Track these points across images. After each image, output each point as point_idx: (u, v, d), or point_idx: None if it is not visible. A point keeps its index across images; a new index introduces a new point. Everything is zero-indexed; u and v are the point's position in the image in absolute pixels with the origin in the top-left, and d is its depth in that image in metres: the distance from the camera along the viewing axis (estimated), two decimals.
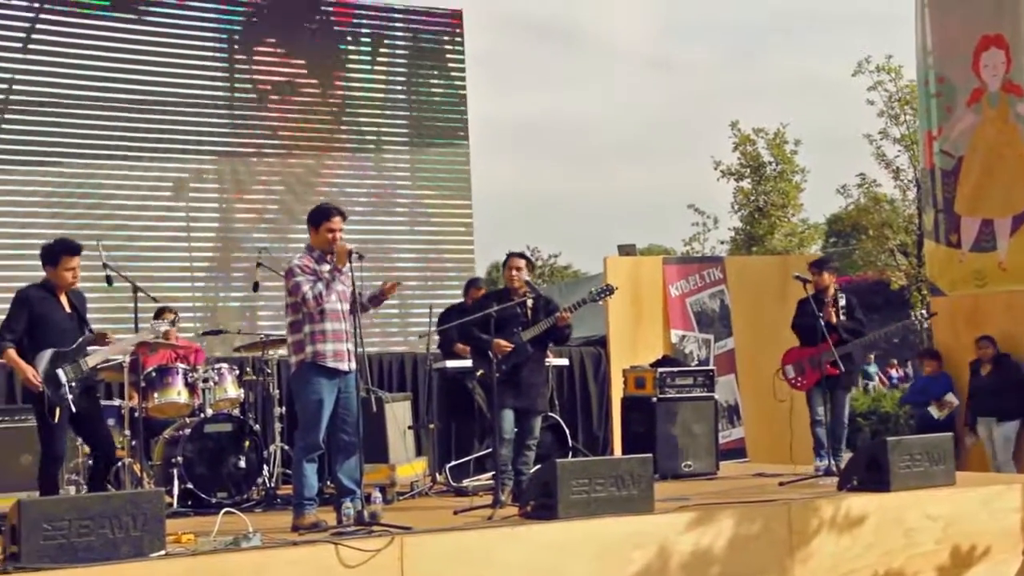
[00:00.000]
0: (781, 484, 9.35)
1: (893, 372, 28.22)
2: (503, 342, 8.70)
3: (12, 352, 7.45)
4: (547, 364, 9.37)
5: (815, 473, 9.69)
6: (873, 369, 27.52)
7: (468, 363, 9.58)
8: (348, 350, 7.56)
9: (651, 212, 70.61)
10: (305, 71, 14.13)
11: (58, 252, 7.64)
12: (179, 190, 13.28)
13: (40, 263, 7.73)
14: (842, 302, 10.17)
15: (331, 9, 14.44)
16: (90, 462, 8.15)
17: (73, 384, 7.51)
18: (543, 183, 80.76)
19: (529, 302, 8.95)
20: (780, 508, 7.97)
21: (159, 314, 9.25)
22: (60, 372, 7.47)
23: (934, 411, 12.56)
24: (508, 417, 8.72)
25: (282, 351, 9.82)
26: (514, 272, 8.95)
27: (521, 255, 9.17)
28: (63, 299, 7.69)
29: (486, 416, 9.72)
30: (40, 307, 7.57)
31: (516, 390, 8.74)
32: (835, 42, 78.62)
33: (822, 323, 9.80)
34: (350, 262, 7.54)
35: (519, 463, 8.79)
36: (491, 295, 9.37)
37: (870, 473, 8.56)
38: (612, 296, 9.55)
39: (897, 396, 17.94)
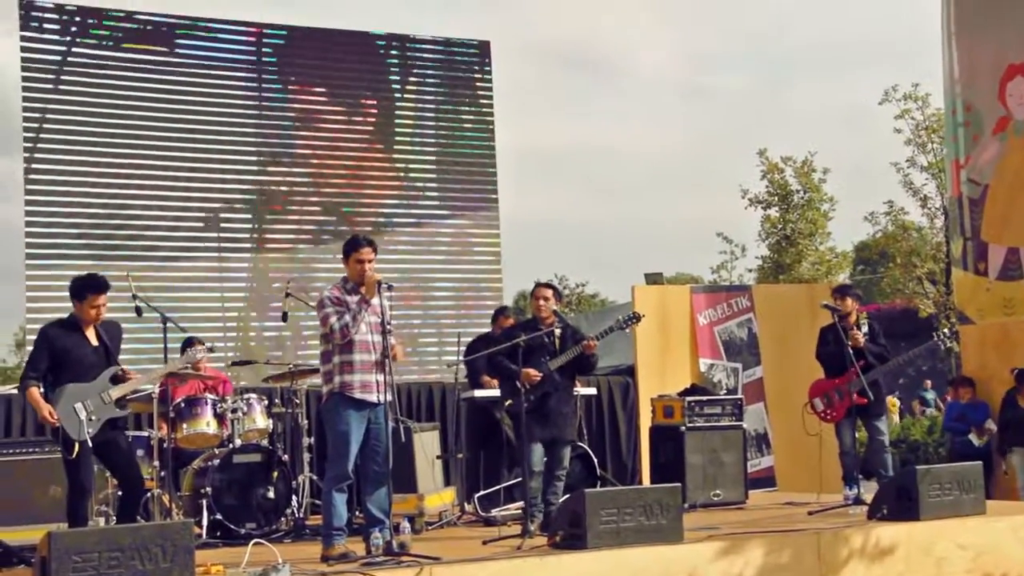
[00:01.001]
0: (810, 513, 9.31)
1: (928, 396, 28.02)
2: (532, 371, 8.72)
3: (34, 390, 7.51)
4: (575, 393, 9.37)
5: (844, 502, 9.64)
6: (931, 396, 27.34)
7: (496, 393, 9.59)
8: (378, 381, 7.57)
9: (679, 241, 70.68)
10: (335, 104, 14.21)
11: (84, 289, 7.70)
12: (211, 221, 13.34)
13: (69, 295, 7.80)
14: (864, 328, 10.13)
15: (361, 39, 14.51)
16: (119, 493, 8.20)
17: (93, 418, 7.54)
18: (571, 212, 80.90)
19: (557, 332, 8.95)
20: (810, 538, 7.94)
21: (189, 344, 9.29)
22: (79, 407, 7.50)
23: (974, 439, 12.50)
24: (537, 450, 8.72)
25: (311, 381, 9.88)
26: (541, 302, 8.97)
27: (548, 285, 9.20)
28: (89, 332, 7.74)
29: (514, 446, 9.72)
30: (61, 342, 7.61)
31: (545, 420, 8.74)
32: (863, 70, 78.57)
33: (850, 350, 9.76)
34: (379, 293, 7.58)
35: (548, 493, 8.78)
36: (519, 325, 9.39)
37: (900, 502, 8.52)
38: (639, 324, 9.54)
39: (927, 424, 17.87)
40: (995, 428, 12.32)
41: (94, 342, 7.73)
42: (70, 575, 5.90)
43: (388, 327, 7.60)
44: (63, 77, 12.77)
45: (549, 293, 9.05)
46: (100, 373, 7.68)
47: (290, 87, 14.01)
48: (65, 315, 7.87)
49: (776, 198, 29.61)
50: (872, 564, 7.99)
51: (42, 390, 7.54)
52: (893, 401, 22.75)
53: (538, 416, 8.70)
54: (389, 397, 7.59)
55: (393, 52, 14.68)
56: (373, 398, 7.53)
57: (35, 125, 12.58)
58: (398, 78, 14.65)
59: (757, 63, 79.68)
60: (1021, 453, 12.06)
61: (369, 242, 7.77)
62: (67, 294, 7.81)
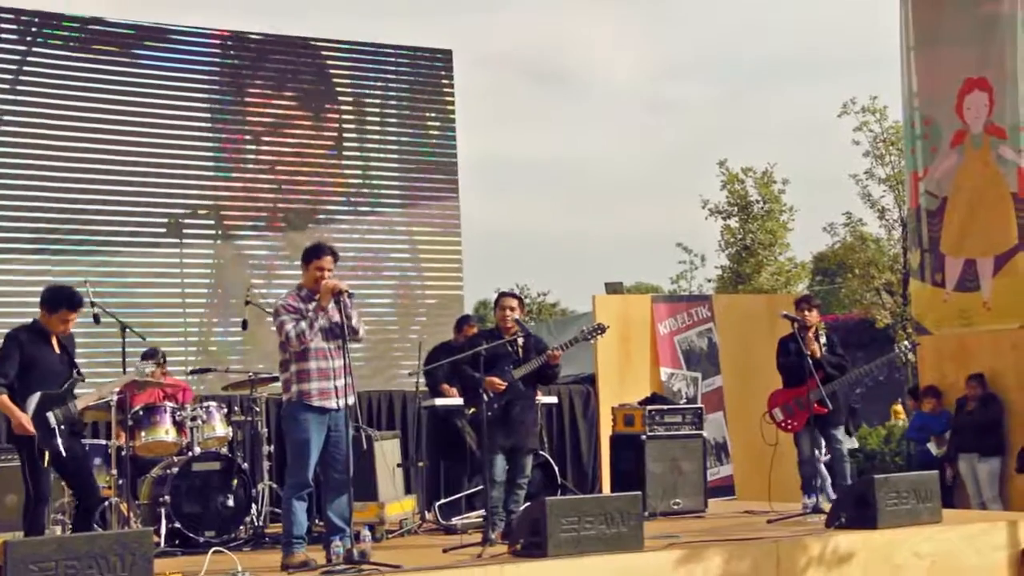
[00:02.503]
0: (769, 522, 9.37)
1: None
2: (496, 380, 8.73)
3: (5, 398, 7.44)
4: (537, 402, 9.38)
5: (803, 511, 9.69)
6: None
7: (457, 401, 9.59)
8: (336, 387, 7.54)
9: (639, 250, 70.80)
10: (298, 109, 14.17)
11: (59, 303, 7.65)
12: (172, 226, 13.26)
13: (38, 302, 7.74)
14: (823, 339, 10.20)
15: (322, 46, 14.49)
16: (76, 502, 8.13)
17: (62, 427, 7.50)
18: (531, 221, 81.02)
19: (520, 341, 8.97)
20: (769, 546, 7.99)
21: (146, 356, 9.23)
22: (50, 416, 7.46)
23: (933, 448, 12.63)
24: (499, 460, 8.73)
25: (272, 388, 9.85)
26: (507, 312, 8.97)
27: (513, 295, 9.22)
28: (53, 340, 7.70)
29: (475, 454, 9.72)
30: (31, 349, 7.57)
31: (507, 429, 8.75)
32: (822, 83, 79.18)
33: (809, 360, 9.83)
34: (338, 300, 7.56)
35: (510, 502, 8.79)
36: (481, 334, 9.40)
37: (858, 511, 8.58)
38: (603, 335, 9.55)
39: (883, 433, 17.99)
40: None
41: (57, 350, 7.70)
42: None
43: (348, 333, 7.57)
44: (21, 77, 12.65)
45: (514, 303, 9.06)
46: (64, 382, 7.63)
47: (252, 94, 13.94)
48: (30, 320, 7.81)
49: (736, 208, 29.76)
50: (830, 572, 8.05)
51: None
52: (898, 409, 22.77)
53: (500, 425, 8.71)
54: (351, 401, 7.58)
55: (355, 60, 14.65)
56: (332, 404, 7.51)
57: None
58: (361, 86, 14.62)
59: (719, 75, 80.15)
60: (967, 459, 12.21)
61: (331, 251, 7.76)
62: (21, 298, 7.76)
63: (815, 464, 10.39)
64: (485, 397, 8.55)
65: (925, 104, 13.36)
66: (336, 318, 7.58)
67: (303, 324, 7.46)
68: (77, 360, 7.95)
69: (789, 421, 10.15)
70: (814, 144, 63.04)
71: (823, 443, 10.30)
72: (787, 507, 9.98)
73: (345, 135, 14.47)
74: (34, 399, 7.46)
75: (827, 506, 9.36)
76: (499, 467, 8.73)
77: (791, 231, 29.78)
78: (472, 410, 8.94)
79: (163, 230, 13.23)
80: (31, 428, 7.36)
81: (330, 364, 7.55)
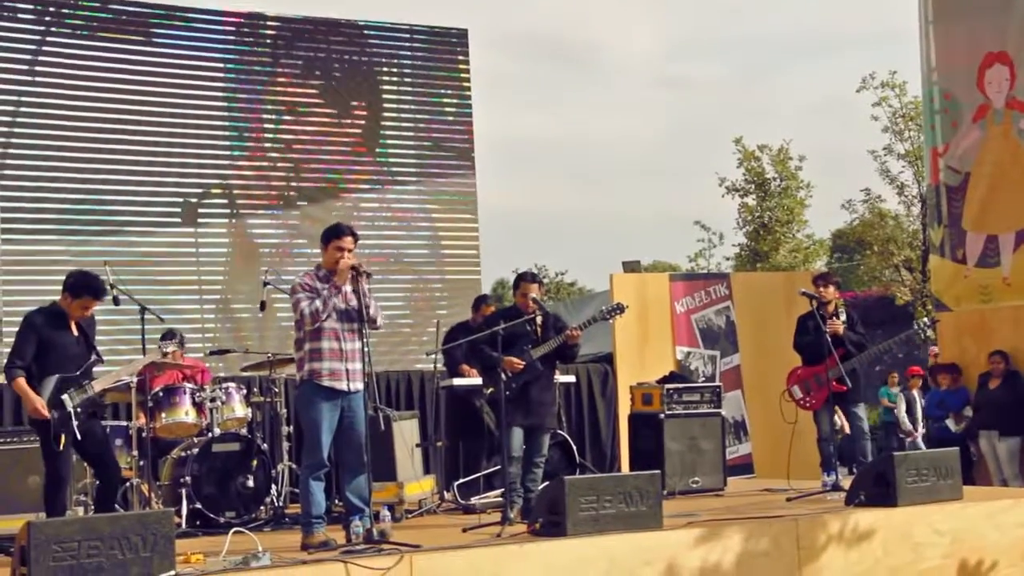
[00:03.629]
0: (789, 500, 9.35)
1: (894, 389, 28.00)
2: (515, 359, 8.72)
3: (22, 381, 7.49)
4: (555, 381, 9.38)
5: (823, 489, 9.68)
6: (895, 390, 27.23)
7: (476, 381, 9.59)
8: (348, 370, 7.52)
9: (657, 229, 70.49)
10: (314, 91, 14.18)
11: (83, 290, 7.67)
12: (188, 210, 13.30)
13: (60, 284, 7.78)
14: (843, 316, 10.17)
15: (338, 27, 14.47)
16: (97, 483, 8.18)
17: (79, 409, 7.54)
18: (549, 201, 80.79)
19: (538, 319, 8.97)
20: (788, 524, 7.97)
21: (166, 337, 9.27)
22: (66, 398, 7.50)
23: (951, 424, 12.59)
24: (517, 435, 8.73)
25: (289, 370, 9.87)
26: (528, 299, 8.93)
27: (533, 279, 9.14)
28: (72, 324, 7.74)
29: (494, 434, 9.73)
30: (48, 332, 7.61)
31: (525, 408, 8.75)
32: (840, 58, 78.72)
33: (828, 337, 9.79)
34: (357, 281, 7.55)
35: (527, 480, 8.80)
36: (500, 313, 9.38)
37: (877, 488, 8.56)
38: (622, 314, 9.52)
39: (880, 412, 18.04)
40: (972, 414, 12.43)
41: (75, 332, 7.73)
42: (50, 564, 5.87)
43: (365, 314, 7.57)
44: (37, 67, 12.68)
45: (534, 288, 9.00)
46: (82, 364, 7.67)
47: (268, 75, 13.95)
48: (47, 304, 7.84)
49: (753, 186, 29.67)
50: (850, 550, 8.03)
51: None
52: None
53: (519, 404, 8.71)
54: (361, 386, 7.57)
55: (371, 40, 14.64)
56: (343, 386, 7.49)
57: (8, 117, 12.48)
58: (377, 66, 14.61)
59: (735, 51, 79.68)
60: (988, 437, 12.17)
61: (351, 232, 7.75)
62: (43, 285, 7.80)
63: (834, 442, 10.37)
64: (503, 377, 8.54)
65: (944, 79, 13.29)
66: (354, 302, 7.58)
67: (317, 302, 7.45)
68: (97, 342, 7.98)
69: (808, 399, 10.13)
70: (833, 120, 62.75)
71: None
72: (806, 485, 9.98)
73: (361, 115, 14.46)
74: (50, 382, 7.50)
75: (846, 484, 9.34)
76: (516, 442, 8.73)
77: (808, 207, 29.70)
78: (490, 390, 8.94)
79: (178, 211, 13.25)
80: (45, 412, 7.41)
81: (342, 346, 7.52)
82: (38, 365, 7.55)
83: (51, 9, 12.80)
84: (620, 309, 9.28)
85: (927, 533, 8.40)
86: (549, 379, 9.06)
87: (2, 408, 10.22)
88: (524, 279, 9.09)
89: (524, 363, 8.76)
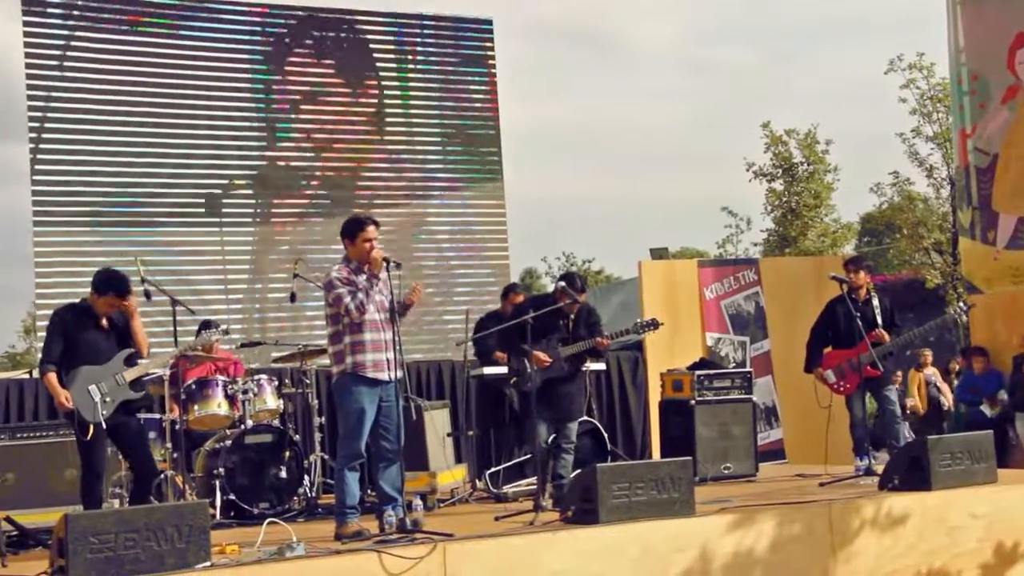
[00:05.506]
0: (821, 485, 9.33)
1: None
2: (543, 355, 8.76)
3: (52, 376, 7.62)
4: (585, 369, 9.42)
5: (855, 473, 9.65)
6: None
7: (505, 370, 9.62)
8: (388, 360, 7.56)
9: (684, 215, 70.39)
10: (339, 80, 14.19)
11: (107, 289, 7.74)
12: (213, 202, 13.33)
13: (90, 283, 7.84)
14: (875, 301, 10.12)
15: (363, 18, 14.49)
16: (132, 475, 8.24)
17: (108, 400, 7.60)
18: (575, 188, 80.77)
19: (571, 316, 9.02)
20: (821, 509, 7.96)
21: (205, 326, 9.26)
22: (93, 388, 7.58)
23: (987, 409, 12.53)
24: (543, 427, 8.79)
25: (320, 361, 9.90)
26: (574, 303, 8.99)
27: (583, 289, 9.20)
28: (101, 320, 7.81)
29: (522, 422, 9.75)
30: (74, 327, 7.71)
31: (549, 401, 8.79)
32: (867, 40, 78.23)
33: (859, 323, 9.75)
34: (387, 271, 7.58)
35: (558, 467, 8.84)
36: (529, 302, 9.41)
37: (911, 472, 8.53)
38: (656, 330, 9.50)
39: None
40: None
41: (106, 327, 7.79)
42: (87, 556, 5.93)
43: (396, 304, 7.61)
44: (67, 62, 12.73)
45: (584, 298, 9.10)
46: (112, 357, 7.73)
47: (294, 68, 13.97)
48: (77, 300, 7.91)
49: (780, 170, 29.54)
50: (884, 534, 8.01)
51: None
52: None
53: (543, 398, 8.77)
54: (400, 374, 7.60)
55: (398, 30, 14.63)
56: (384, 376, 7.54)
57: (40, 112, 12.53)
58: (403, 56, 14.62)
59: (761, 35, 79.36)
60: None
61: (373, 221, 7.77)
62: (76, 278, 7.87)
63: (867, 426, 10.33)
64: (529, 369, 8.58)
65: (972, 59, 13.19)
66: (386, 292, 7.61)
67: (360, 296, 7.48)
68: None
69: (842, 383, 10.09)
70: (860, 103, 62.39)
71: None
72: (839, 470, 9.95)
73: (388, 107, 14.46)
74: (77, 374, 7.59)
75: (879, 468, 9.30)
76: (543, 433, 8.80)
77: (836, 191, 29.54)
78: (515, 380, 8.99)
79: (202, 201, 13.28)
80: (69, 403, 7.50)
81: (382, 336, 7.57)
82: (66, 360, 7.65)
83: (79, 3, 12.85)
84: (655, 325, 9.31)
85: (962, 517, 8.37)
86: (575, 374, 9.15)
87: (37, 403, 10.30)
88: (574, 287, 9.06)
89: (551, 360, 8.81)
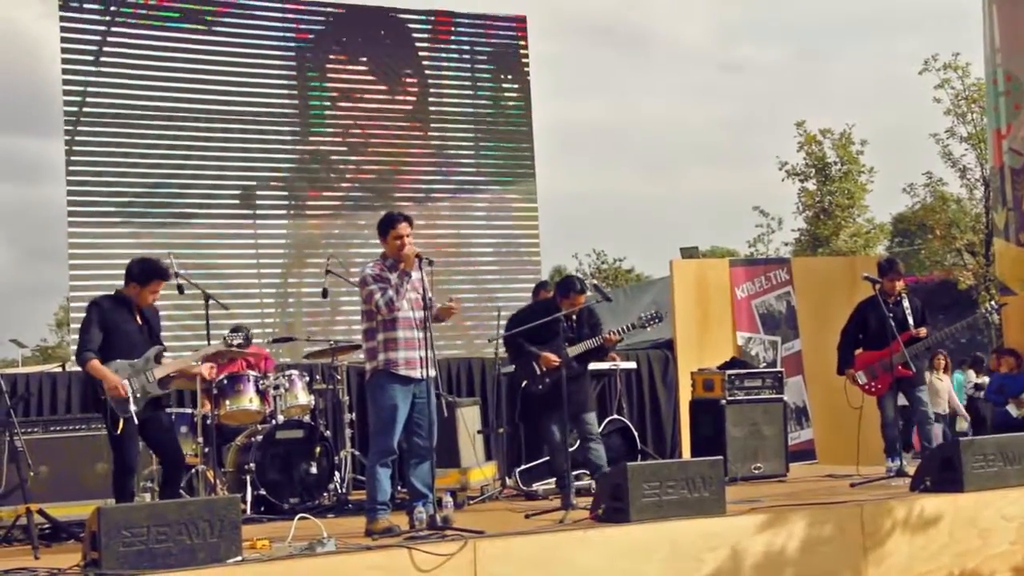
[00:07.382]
0: (853, 485, 9.30)
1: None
2: (552, 356, 8.83)
3: (96, 362, 7.60)
4: (616, 366, 9.51)
5: (887, 474, 9.61)
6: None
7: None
8: (421, 357, 7.57)
9: (716, 214, 70.03)
10: (373, 79, 14.21)
11: (151, 274, 7.80)
12: (247, 198, 13.38)
13: (125, 274, 7.88)
14: (906, 302, 10.07)
15: (398, 15, 14.51)
16: (162, 470, 8.28)
17: (139, 396, 7.63)
18: (607, 186, 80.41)
19: (573, 316, 9.17)
20: (853, 509, 7.93)
21: (236, 330, 9.28)
22: (126, 383, 7.60)
23: (1013, 409, 12.45)
24: (555, 430, 8.91)
25: (352, 357, 9.93)
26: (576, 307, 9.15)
27: (582, 291, 9.31)
28: (136, 312, 7.85)
29: (537, 424, 9.81)
30: (112, 316, 7.73)
31: (559, 401, 8.79)
32: (902, 40, 77.76)
33: (891, 324, 9.71)
34: (420, 268, 7.60)
35: (591, 457, 8.99)
36: (540, 305, 9.55)
37: (943, 474, 8.49)
38: (659, 323, 9.67)
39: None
40: None
41: (139, 321, 7.83)
42: (120, 549, 5.97)
43: (429, 302, 7.62)
44: (103, 58, 12.80)
45: (582, 299, 9.25)
46: (144, 352, 7.77)
47: (329, 63, 14.00)
48: (112, 292, 7.95)
49: (814, 170, 29.43)
50: (916, 535, 7.97)
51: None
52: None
53: (553, 399, 8.87)
54: (433, 372, 7.61)
55: (432, 28, 14.65)
56: (417, 374, 7.56)
57: (75, 107, 12.61)
58: (437, 54, 14.63)
59: (794, 34, 78.87)
60: None
61: (406, 217, 7.78)
62: (109, 272, 7.92)
63: (898, 427, 10.29)
64: (538, 371, 8.65)
65: (1007, 60, 13.08)
66: (420, 290, 7.62)
67: (391, 292, 7.50)
68: (161, 329, 8.08)
69: (873, 384, 10.06)
70: (894, 103, 62.03)
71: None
72: (870, 471, 9.90)
73: (421, 103, 14.47)
74: (112, 366, 7.61)
75: (911, 469, 9.26)
76: (558, 434, 8.94)
77: (869, 192, 29.41)
78: (525, 383, 9.09)
79: (236, 195, 13.33)
80: (123, 391, 7.51)
81: (415, 335, 7.58)
82: (102, 350, 7.66)
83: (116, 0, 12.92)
84: (658, 318, 9.50)
85: (994, 519, 8.33)
86: (583, 373, 9.30)
87: (70, 396, 10.35)
88: (574, 290, 9.26)
89: (560, 360, 8.86)
